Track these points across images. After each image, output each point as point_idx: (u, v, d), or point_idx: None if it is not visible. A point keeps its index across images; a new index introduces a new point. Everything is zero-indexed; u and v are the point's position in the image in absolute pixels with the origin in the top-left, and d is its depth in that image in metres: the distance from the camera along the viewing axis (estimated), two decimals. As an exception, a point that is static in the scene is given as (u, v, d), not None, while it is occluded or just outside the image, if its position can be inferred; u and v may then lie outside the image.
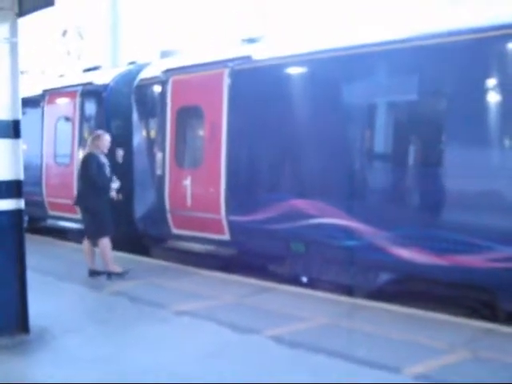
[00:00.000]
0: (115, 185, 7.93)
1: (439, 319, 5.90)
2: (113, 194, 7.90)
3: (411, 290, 6.71)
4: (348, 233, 6.94)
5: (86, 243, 7.99)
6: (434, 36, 6.32)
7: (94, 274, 7.86)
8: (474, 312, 6.24)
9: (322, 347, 5.08)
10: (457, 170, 6.16)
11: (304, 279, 7.83)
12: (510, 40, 5.82)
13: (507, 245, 5.76)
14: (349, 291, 7.17)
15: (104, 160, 7.84)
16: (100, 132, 8.12)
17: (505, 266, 5.74)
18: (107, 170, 7.82)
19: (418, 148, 6.63)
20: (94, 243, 7.92)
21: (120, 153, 8.73)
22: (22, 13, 5.30)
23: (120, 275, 7.75)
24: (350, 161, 7.16)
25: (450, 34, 6.20)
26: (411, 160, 6.65)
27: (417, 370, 4.54)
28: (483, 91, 5.97)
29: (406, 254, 6.45)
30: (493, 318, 6.00)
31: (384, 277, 6.94)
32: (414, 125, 6.67)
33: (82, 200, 7.99)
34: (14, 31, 5.27)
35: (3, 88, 5.26)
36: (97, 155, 7.79)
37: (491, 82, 5.97)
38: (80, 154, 10.76)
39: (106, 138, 7.90)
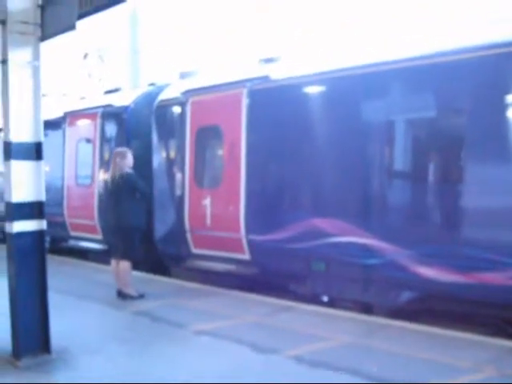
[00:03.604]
0: None
1: (463, 338, 5.82)
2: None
3: (433, 308, 6.63)
4: (369, 251, 6.89)
5: (114, 263, 7.93)
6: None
7: (124, 295, 7.79)
8: (498, 330, 6.14)
9: (343, 367, 5.03)
10: (479, 187, 6.11)
11: (325, 298, 7.78)
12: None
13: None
14: (370, 310, 7.11)
15: None
16: (124, 150, 8.10)
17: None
18: None
19: (438, 165, 6.60)
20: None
21: None
22: (44, 37, 5.39)
23: (134, 299, 7.75)
24: (371, 179, 7.14)
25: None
26: (432, 177, 6.60)
27: (441, 390, 4.48)
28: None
29: (428, 272, 6.39)
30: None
31: (406, 295, 6.87)
32: (433, 142, 6.64)
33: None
34: (36, 55, 5.36)
35: (26, 111, 5.34)
36: (134, 173, 7.89)
37: None
38: (101, 175, 10.90)
39: (131, 156, 7.96)
